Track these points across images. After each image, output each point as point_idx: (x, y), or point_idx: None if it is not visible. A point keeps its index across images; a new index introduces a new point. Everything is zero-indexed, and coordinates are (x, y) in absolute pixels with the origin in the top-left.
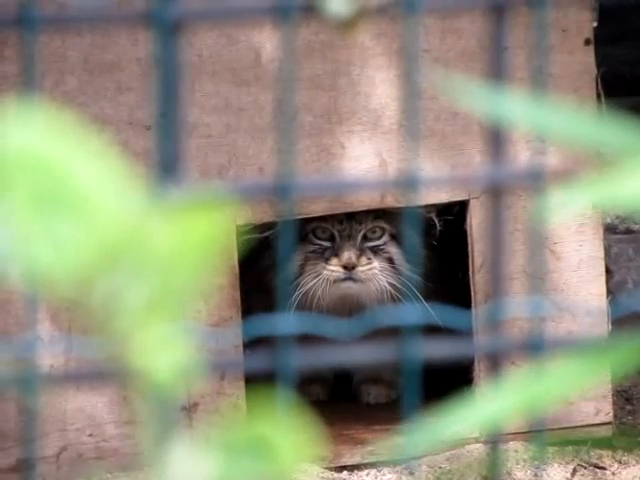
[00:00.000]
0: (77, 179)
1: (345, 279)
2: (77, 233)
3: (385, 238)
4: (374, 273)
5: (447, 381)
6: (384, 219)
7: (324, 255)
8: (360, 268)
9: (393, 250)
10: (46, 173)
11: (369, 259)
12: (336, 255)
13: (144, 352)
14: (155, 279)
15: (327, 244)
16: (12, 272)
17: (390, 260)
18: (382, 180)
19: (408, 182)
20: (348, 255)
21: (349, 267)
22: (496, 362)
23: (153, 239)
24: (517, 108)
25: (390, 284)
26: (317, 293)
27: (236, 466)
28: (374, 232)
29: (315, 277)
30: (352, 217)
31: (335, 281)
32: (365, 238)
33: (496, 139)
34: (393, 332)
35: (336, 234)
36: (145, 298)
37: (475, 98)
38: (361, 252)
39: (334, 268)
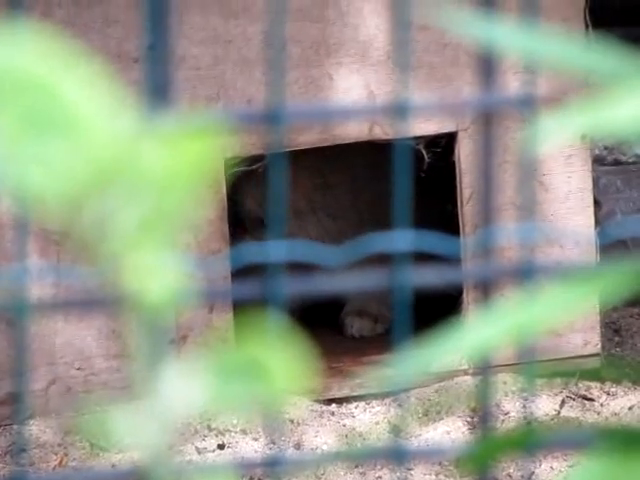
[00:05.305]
0: (68, 100)
1: None
2: (68, 155)
3: None
4: None
5: (435, 311)
6: None
7: None
8: None
9: None
10: (36, 93)
11: None
12: None
13: (134, 276)
14: (146, 202)
15: None
16: (1, 197)
17: None
18: (371, 108)
19: (398, 110)
20: None
21: None
22: (485, 290)
23: (144, 162)
24: (507, 35)
25: None
26: None
27: (228, 389)
28: None
29: None
30: None
31: None
32: None
33: (486, 67)
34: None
35: None
36: (136, 222)
37: (465, 27)
38: None
39: None
